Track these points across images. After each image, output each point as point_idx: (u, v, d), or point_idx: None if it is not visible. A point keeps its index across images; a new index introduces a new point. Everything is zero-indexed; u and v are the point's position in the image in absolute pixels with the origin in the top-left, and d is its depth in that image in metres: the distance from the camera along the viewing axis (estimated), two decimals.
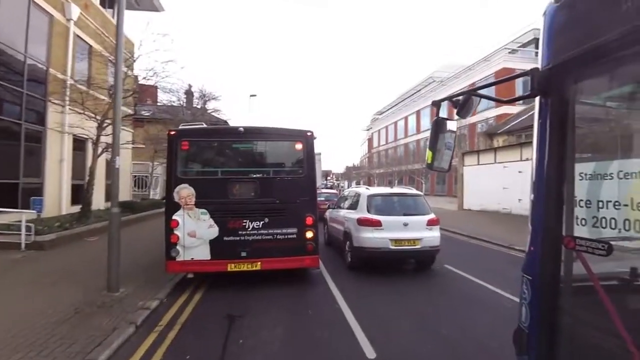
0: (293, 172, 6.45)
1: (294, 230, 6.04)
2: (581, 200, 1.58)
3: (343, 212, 8.36)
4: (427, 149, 1.99)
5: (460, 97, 1.88)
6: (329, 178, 67.37)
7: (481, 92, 1.89)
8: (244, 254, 5.88)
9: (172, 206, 5.83)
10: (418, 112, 41.34)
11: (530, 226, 1.68)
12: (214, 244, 5.84)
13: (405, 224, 6.90)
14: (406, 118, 45.48)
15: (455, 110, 1.91)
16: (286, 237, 6.02)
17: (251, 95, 29.39)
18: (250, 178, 6.29)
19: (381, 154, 51.11)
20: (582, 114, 1.60)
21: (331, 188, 34.45)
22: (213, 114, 24.11)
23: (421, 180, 34.43)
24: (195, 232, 5.80)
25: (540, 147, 1.62)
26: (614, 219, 1.49)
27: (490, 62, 30.58)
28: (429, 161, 1.99)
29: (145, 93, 18.53)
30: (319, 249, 6.34)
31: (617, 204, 1.51)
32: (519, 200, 15.97)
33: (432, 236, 7.03)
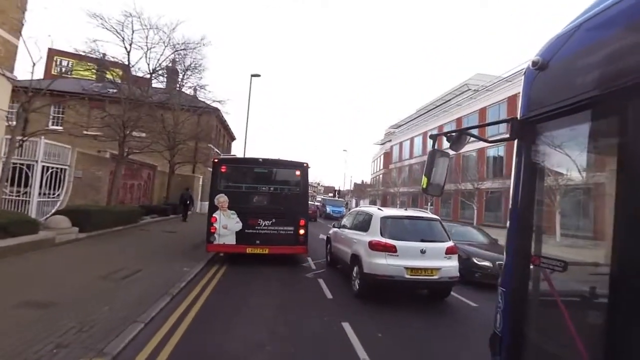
0: (293, 189, 9.80)
1: (292, 228, 9.30)
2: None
3: (351, 233, 7.91)
4: (423, 175, 2.36)
5: (454, 134, 2.33)
6: (330, 195, 65.85)
7: (472, 131, 2.36)
8: (257, 242, 9.10)
9: (213, 208, 9.15)
10: (441, 127, 38.83)
11: (506, 247, 2.09)
12: (238, 234, 9.08)
13: (423, 251, 6.44)
14: (425, 134, 42.72)
15: (449, 144, 2.36)
16: (286, 232, 9.26)
17: (253, 75, 24.20)
18: (265, 191, 9.58)
19: (402, 170, 46.74)
20: (548, 157, 2.01)
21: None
22: (201, 97, 20.52)
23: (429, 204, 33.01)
24: (227, 225, 9.07)
25: (515, 182, 2.04)
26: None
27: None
28: (424, 186, 2.35)
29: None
30: (308, 245, 9.73)
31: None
32: None
33: (450, 266, 6.62)
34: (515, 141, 2.08)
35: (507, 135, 2.14)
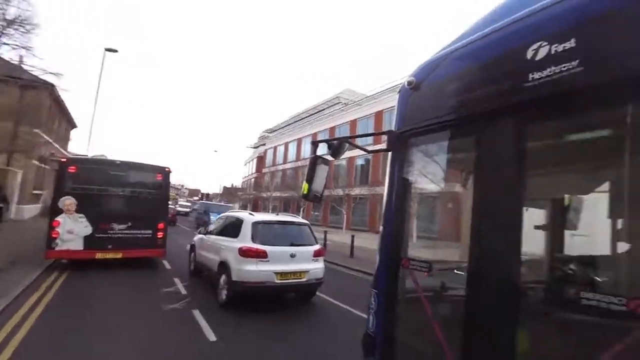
0: (153, 193, 9.62)
1: (150, 231, 9.30)
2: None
3: (219, 240, 7.48)
4: (304, 181, 2.39)
5: (335, 142, 2.39)
6: (195, 198, 61.32)
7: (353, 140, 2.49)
8: (110, 246, 8.75)
9: (57, 212, 8.39)
10: (315, 134, 40.70)
11: (378, 252, 2.23)
12: (87, 238, 8.54)
13: (292, 255, 6.55)
14: (299, 140, 44.36)
15: (329, 151, 2.41)
16: (143, 235, 9.19)
17: (107, 50, 20.04)
18: (121, 194, 9.23)
19: (275, 174, 46.96)
20: (418, 168, 2.23)
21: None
22: (29, 65, 13.18)
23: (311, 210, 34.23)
24: (73, 229, 8.44)
25: (389, 190, 2.20)
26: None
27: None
28: (305, 192, 2.38)
29: None
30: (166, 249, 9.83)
31: None
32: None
33: (318, 267, 6.91)
34: (390, 152, 2.23)
35: (383, 146, 2.30)
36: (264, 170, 52.19)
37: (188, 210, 40.02)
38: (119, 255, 8.80)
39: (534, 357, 1.70)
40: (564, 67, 1.41)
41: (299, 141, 44.19)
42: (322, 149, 2.43)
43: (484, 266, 1.63)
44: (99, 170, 9.31)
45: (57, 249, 8.21)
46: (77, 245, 8.40)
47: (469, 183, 2.37)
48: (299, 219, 7.55)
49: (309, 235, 7.27)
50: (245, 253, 6.36)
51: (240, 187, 64.53)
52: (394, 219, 2.14)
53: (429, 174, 2.41)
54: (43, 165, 23.06)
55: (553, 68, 1.45)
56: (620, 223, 2.29)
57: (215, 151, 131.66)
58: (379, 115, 31.38)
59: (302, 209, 34.53)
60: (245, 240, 6.58)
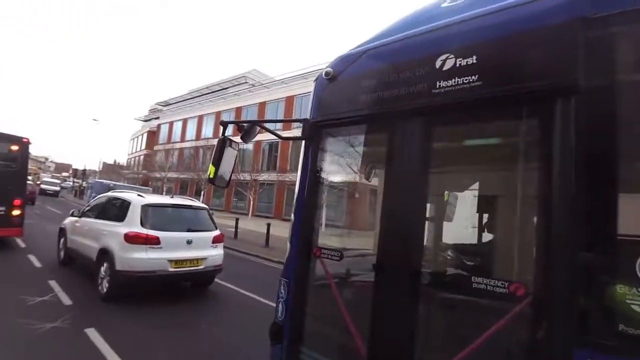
0: (7, 166, 8.48)
1: (3, 208, 8.32)
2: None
3: (99, 224, 6.57)
4: (210, 164, 2.26)
5: (246, 124, 2.29)
6: (64, 174, 51.81)
7: (266, 125, 2.40)
8: None
9: None
10: (219, 114, 38.22)
11: (290, 240, 2.26)
12: None
13: (189, 242, 6.12)
14: (200, 117, 41.24)
15: (239, 133, 2.33)
16: None
17: None
18: None
19: (171, 153, 42.90)
20: (330, 158, 2.29)
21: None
22: None
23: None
24: None
25: (301, 179, 2.23)
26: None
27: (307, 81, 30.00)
28: (211, 176, 2.24)
29: None
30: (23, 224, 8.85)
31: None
32: None
33: (217, 254, 6.64)
34: (304, 141, 2.24)
35: (297, 134, 2.31)
36: (156, 148, 47.51)
37: (57, 189, 34.47)
38: None
39: (432, 334, 1.92)
40: (466, 79, 1.58)
41: (200, 119, 41.45)
42: (229, 131, 2.34)
43: (389, 253, 1.76)
44: None
45: None
46: None
47: (377, 176, 2.49)
48: (196, 203, 7.07)
49: (207, 221, 6.87)
50: (132, 239, 5.70)
51: (125, 164, 57.31)
52: (305, 208, 2.17)
53: (340, 164, 2.49)
54: None
55: (457, 79, 1.61)
56: (485, 217, 2.70)
57: (95, 120, 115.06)
58: (290, 100, 30.83)
59: (202, 193, 32.64)
60: (132, 225, 5.89)
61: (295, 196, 2.26)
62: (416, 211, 1.72)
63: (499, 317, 1.44)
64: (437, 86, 1.65)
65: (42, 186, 32.55)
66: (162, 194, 32.67)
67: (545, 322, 1.32)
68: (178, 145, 43.27)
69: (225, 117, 36.21)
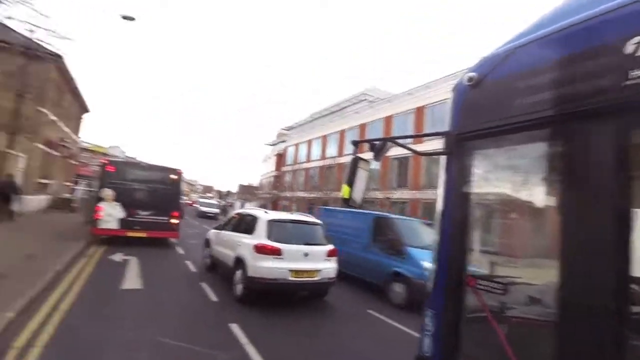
0: (168, 189, 12.55)
1: (166, 218, 12.31)
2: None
3: (235, 236, 7.78)
4: (344, 184, 2.20)
5: (377, 142, 2.20)
6: (208, 195, 61.62)
7: (399, 141, 2.30)
8: (137, 227, 11.77)
9: (98, 199, 11.50)
10: (342, 132, 38.07)
11: (435, 266, 2.02)
12: (121, 220, 11.55)
13: (306, 254, 6.80)
14: (324, 137, 41.66)
15: (371, 151, 2.25)
16: (161, 220, 12.19)
17: (125, 17, 14.02)
18: (145, 189, 12.17)
19: (297, 173, 44.36)
20: (481, 174, 2.02)
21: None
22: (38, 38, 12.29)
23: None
24: (112, 213, 11.39)
25: (446, 197, 2.01)
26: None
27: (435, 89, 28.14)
28: (346, 196, 2.18)
29: None
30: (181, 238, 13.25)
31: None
32: None
33: (330, 267, 7.14)
34: (446, 156, 2.04)
35: (434, 148, 2.14)
36: (284, 169, 50.15)
37: (216, 211, 32.67)
38: (144, 235, 11.81)
39: None
40: None
41: (324, 139, 41.73)
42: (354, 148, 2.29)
43: (580, 287, 1.42)
44: (130, 169, 12.50)
45: (100, 227, 11.22)
46: (114, 225, 11.41)
47: (547, 191, 2.07)
48: (313, 219, 7.81)
49: (321, 235, 7.52)
50: (260, 250, 6.66)
51: (258, 185, 64.01)
52: (452, 231, 1.94)
53: (494, 180, 2.21)
54: (51, 151, 20.31)
55: None
56: None
57: (233, 149, 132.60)
58: (420, 111, 28.58)
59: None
60: (260, 238, 6.88)
61: (439, 217, 2.04)
62: (617, 232, 1.36)
63: None
64: (631, 76, 1.34)
65: (201, 208, 31.93)
66: (291, 212, 34.65)
67: None
68: (304, 166, 44.44)
69: (350, 135, 36.71)
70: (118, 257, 9.45)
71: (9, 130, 14.74)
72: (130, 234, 11.61)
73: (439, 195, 2.05)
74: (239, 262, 7.10)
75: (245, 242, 7.19)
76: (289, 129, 56.52)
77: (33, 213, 16.62)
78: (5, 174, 14.02)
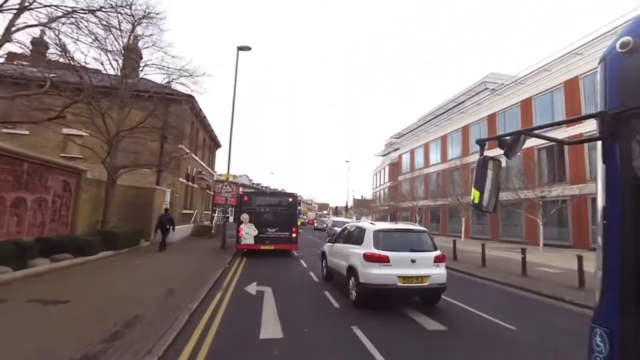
0: (287, 210, 16.11)
1: (287, 233, 15.77)
2: None
3: (346, 247, 8.61)
4: (473, 188, 2.04)
5: (508, 137, 1.97)
6: (324, 212, 66.14)
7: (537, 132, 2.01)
8: (267, 242, 15.41)
9: (239, 222, 15.66)
10: (465, 128, 34.49)
11: (603, 276, 1.66)
12: (255, 237, 15.31)
13: (413, 261, 7.18)
14: (444, 137, 38.55)
15: (501, 149, 2.00)
16: (285, 235, 15.68)
17: (240, 48, 17.43)
18: (270, 211, 15.88)
19: (415, 181, 41.65)
20: None
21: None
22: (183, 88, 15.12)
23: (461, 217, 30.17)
24: (249, 232, 15.29)
25: (609, 191, 1.69)
26: None
27: (552, 73, 24.86)
28: (476, 201, 2.01)
29: None
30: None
31: None
32: None
33: (439, 273, 7.37)
34: (601, 141, 1.73)
35: (594, 134, 1.78)
36: (400, 178, 48.07)
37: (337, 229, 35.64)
38: (272, 247, 15.37)
39: None
40: None
41: (444, 139, 38.04)
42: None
43: None
44: (258, 197, 17.22)
45: (242, 242, 15.22)
46: (251, 241, 15.27)
47: None
48: (417, 227, 8.12)
49: (428, 242, 7.81)
50: (369, 258, 7.30)
51: (371, 198, 64.22)
52: (625, 230, 1.61)
53: None
54: (191, 184, 23.53)
55: None
56: None
57: (347, 161, 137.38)
58: (570, 85, 22.95)
59: (462, 220, 30.37)
60: (368, 247, 7.52)
61: (601, 215, 1.72)
62: None
63: None
64: None
65: (335, 228, 33.77)
66: (414, 223, 30.69)
67: None
68: (425, 171, 41.56)
69: (474, 131, 32.87)
70: (252, 288, 8.92)
71: (157, 167, 17.46)
72: (263, 247, 15.26)
73: (598, 189, 1.74)
74: (351, 270, 7.84)
75: (355, 252, 7.92)
76: (399, 136, 54.54)
77: (179, 241, 19.07)
78: (164, 209, 16.61)
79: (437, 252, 7.60)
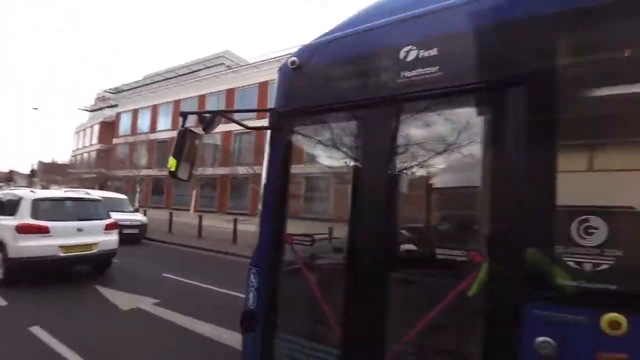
0: None
1: None
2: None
3: None
4: (171, 157, 2.19)
5: (208, 115, 2.27)
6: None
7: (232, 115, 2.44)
8: None
9: None
10: (203, 98, 32.94)
11: (260, 229, 2.30)
12: None
13: (80, 229, 7.13)
14: (176, 103, 35.14)
15: (201, 124, 2.28)
16: None
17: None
18: None
19: (137, 146, 35.71)
20: (300, 148, 2.38)
21: None
22: None
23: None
24: None
25: (270, 169, 2.29)
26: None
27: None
28: (173, 169, 2.18)
29: None
30: None
31: None
32: None
33: (109, 239, 7.59)
34: (270, 131, 2.29)
35: (266, 124, 2.33)
36: (116, 141, 40.78)
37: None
38: None
39: (398, 307, 1.93)
40: (428, 70, 1.71)
41: (177, 104, 35.35)
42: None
43: (359, 239, 1.90)
44: None
45: None
46: None
47: (347, 164, 2.35)
48: (89, 196, 8.01)
49: (99, 211, 7.92)
50: (23, 230, 6.66)
51: (70, 162, 50.77)
52: (275, 198, 2.22)
53: (309, 154, 2.61)
54: None
55: (419, 70, 1.74)
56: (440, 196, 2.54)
57: (35, 109, 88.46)
58: (264, 86, 27.48)
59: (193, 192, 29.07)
60: (23, 218, 6.80)
61: (263, 186, 2.29)
62: (387, 197, 1.83)
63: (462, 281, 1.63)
64: (402, 76, 1.77)
65: None
66: (135, 194, 31.19)
67: (500, 282, 1.49)
68: (152, 136, 36.25)
69: (212, 100, 31.12)
70: None
71: None
72: None
73: (264, 167, 2.30)
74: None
75: (6, 225, 6.92)
76: (117, 91, 45.33)
77: None
78: None
79: (110, 220, 7.85)
